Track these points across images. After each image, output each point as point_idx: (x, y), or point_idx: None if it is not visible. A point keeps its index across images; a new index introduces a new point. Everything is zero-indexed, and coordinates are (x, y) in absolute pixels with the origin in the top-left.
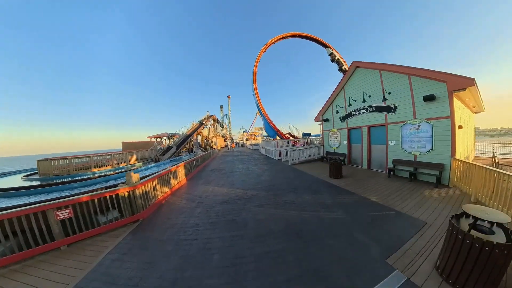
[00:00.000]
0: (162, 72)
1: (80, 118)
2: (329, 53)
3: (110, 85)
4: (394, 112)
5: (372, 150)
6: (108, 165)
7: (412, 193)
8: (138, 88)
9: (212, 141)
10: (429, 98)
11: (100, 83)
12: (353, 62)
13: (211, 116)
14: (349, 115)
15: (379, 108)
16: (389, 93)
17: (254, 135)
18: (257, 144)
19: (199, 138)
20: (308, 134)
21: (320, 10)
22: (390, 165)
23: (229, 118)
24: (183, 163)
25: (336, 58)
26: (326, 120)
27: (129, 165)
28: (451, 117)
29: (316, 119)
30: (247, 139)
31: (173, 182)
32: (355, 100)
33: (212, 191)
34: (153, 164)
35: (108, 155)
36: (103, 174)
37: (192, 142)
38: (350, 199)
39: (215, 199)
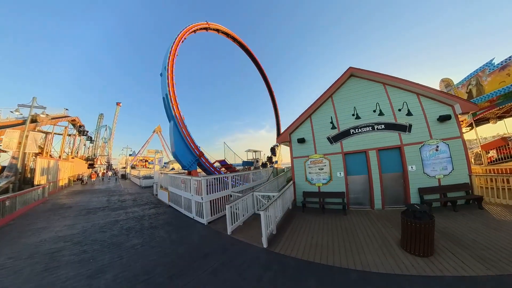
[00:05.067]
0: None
1: None
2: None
3: None
4: (409, 131)
5: (383, 181)
6: None
7: None
8: None
9: (38, 167)
10: (445, 118)
11: None
12: (349, 68)
13: (68, 117)
14: (345, 134)
15: (390, 126)
16: (399, 110)
17: (147, 160)
18: (151, 177)
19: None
20: (251, 163)
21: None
22: (415, 197)
23: (111, 133)
24: None
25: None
26: (301, 140)
27: None
28: (462, 137)
29: (280, 140)
30: (133, 167)
31: None
32: (356, 113)
33: None
34: None
35: None
36: None
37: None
38: None
39: None
